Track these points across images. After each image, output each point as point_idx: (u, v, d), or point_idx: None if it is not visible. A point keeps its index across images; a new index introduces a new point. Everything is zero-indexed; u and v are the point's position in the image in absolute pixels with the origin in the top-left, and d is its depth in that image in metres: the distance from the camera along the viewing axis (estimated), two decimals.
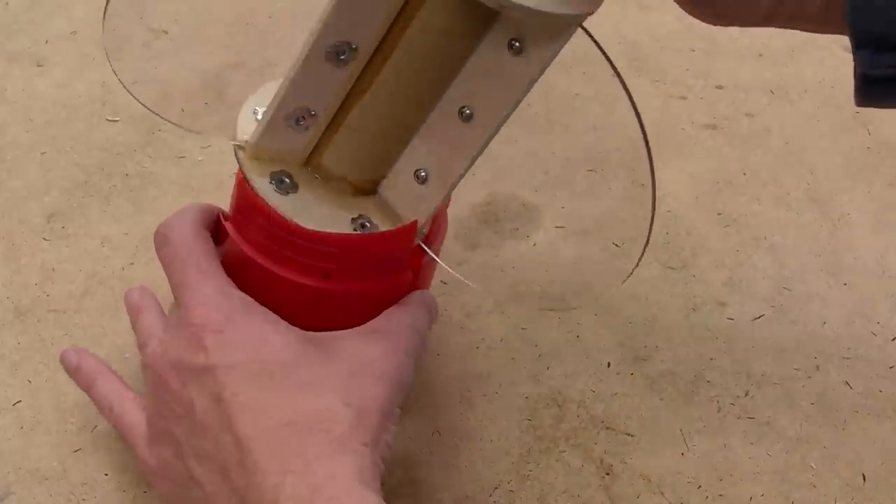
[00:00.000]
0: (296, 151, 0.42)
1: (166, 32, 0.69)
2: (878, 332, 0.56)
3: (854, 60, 0.39)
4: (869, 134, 0.67)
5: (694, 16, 0.41)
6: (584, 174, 0.63)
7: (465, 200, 0.61)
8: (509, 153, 0.65)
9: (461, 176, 0.40)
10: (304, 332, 0.41)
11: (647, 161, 0.37)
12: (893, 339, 0.56)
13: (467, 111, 0.39)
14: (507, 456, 0.50)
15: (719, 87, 0.70)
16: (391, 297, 0.43)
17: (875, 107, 0.41)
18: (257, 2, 0.65)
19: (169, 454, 0.41)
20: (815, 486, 0.50)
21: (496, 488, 0.48)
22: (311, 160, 0.42)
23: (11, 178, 0.60)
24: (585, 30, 0.36)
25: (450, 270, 0.47)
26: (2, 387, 0.51)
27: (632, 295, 0.57)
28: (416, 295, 0.44)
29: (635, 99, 0.48)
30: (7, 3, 0.70)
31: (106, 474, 0.48)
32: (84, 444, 0.49)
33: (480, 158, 0.40)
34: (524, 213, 0.61)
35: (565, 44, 0.37)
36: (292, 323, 0.41)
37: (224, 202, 0.45)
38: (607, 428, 0.51)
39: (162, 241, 0.44)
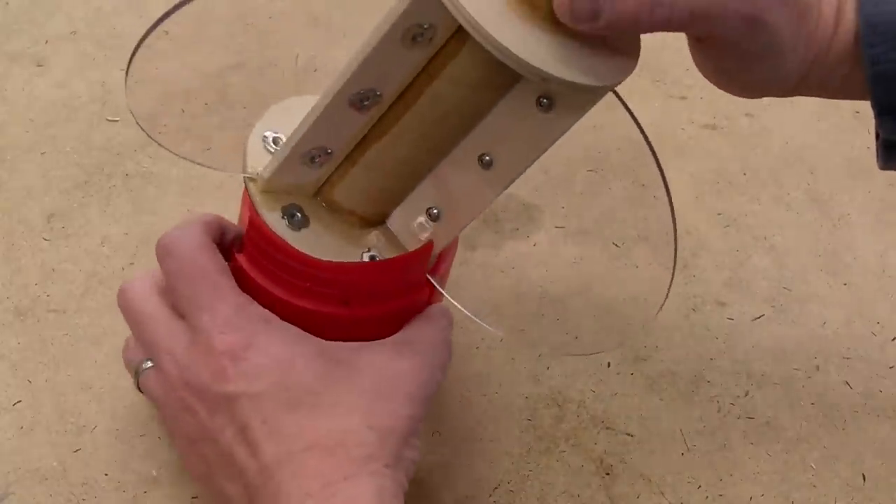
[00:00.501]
0: (307, 185, 0.42)
1: (167, 32, 0.69)
2: (878, 332, 0.56)
3: (876, 128, 0.41)
4: (869, 134, 0.67)
5: (723, 89, 0.42)
6: (584, 174, 0.63)
7: None
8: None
9: (473, 218, 0.41)
10: (329, 344, 0.41)
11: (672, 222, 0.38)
12: (893, 339, 0.56)
13: (487, 158, 0.39)
14: (507, 456, 0.50)
15: None
16: (409, 316, 0.44)
17: None
18: (257, 2, 0.65)
19: (201, 469, 0.41)
20: (815, 486, 0.50)
21: (496, 488, 0.48)
22: (321, 192, 0.43)
23: (11, 178, 0.60)
24: (619, 97, 0.37)
25: (459, 306, 0.46)
26: (2, 387, 0.51)
27: (632, 295, 0.57)
28: (436, 307, 0.44)
29: (636, 98, 0.48)
30: (7, 3, 0.70)
31: (106, 474, 0.48)
32: (84, 444, 0.49)
33: None
34: (524, 213, 0.61)
35: (589, 106, 0.38)
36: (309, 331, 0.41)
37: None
38: (607, 428, 0.51)
39: (163, 252, 0.43)
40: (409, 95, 0.38)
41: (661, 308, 0.42)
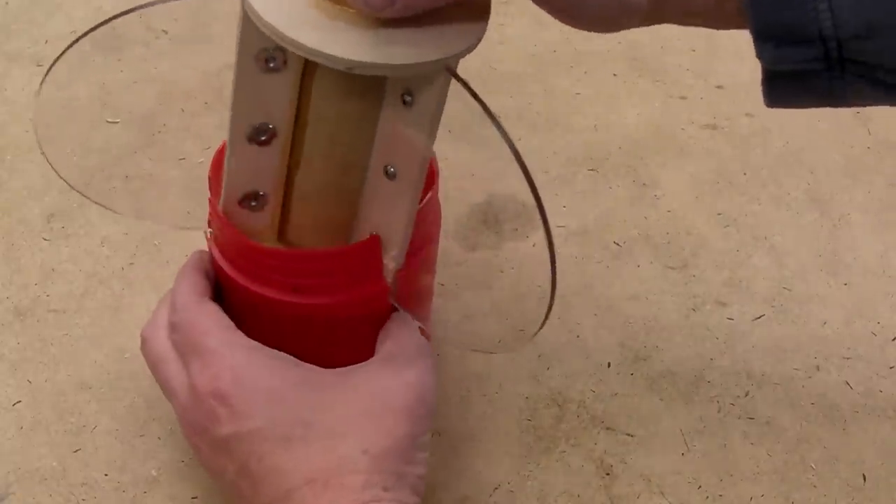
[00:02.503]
0: (263, 231, 0.42)
1: (166, 32, 0.69)
2: (878, 332, 0.56)
3: (757, 56, 0.38)
4: (869, 134, 0.67)
5: (569, 24, 0.40)
6: (584, 174, 0.63)
7: (465, 200, 0.61)
8: (509, 153, 0.65)
9: (407, 231, 0.41)
10: (316, 370, 0.41)
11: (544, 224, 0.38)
12: (893, 339, 0.56)
13: (391, 169, 0.39)
14: (507, 456, 0.50)
15: (719, 87, 0.70)
16: (368, 313, 0.43)
17: (785, 107, 0.40)
18: None
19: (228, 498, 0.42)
20: (815, 486, 0.50)
21: (496, 488, 0.48)
22: (281, 236, 0.43)
23: (11, 178, 0.60)
24: (454, 73, 0.36)
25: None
26: (2, 387, 0.51)
27: (632, 295, 0.57)
28: (400, 313, 0.43)
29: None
30: (7, 3, 0.70)
31: (106, 474, 0.48)
32: (84, 444, 0.49)
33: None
34: (524, 213, 0.61)
35: (446, 89, 0.37)
36: (293, 354, 0.41)
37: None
38: (607, 428, 0.51)
39: (170, 307, 0.43)
40: (300, 120, 0.39)
41: (540, 328, 0.42)
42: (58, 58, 0.42)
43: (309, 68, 0.37)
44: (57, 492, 0.47)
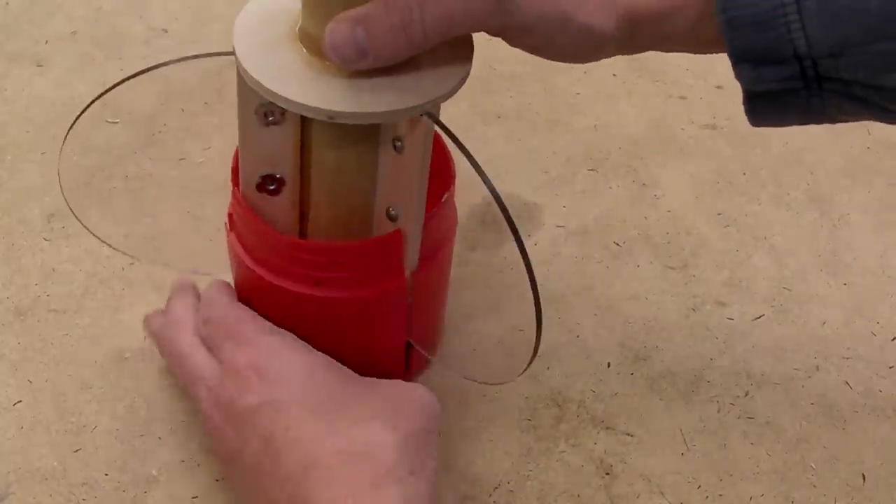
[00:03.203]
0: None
1: (166, 31, 0.69)
2: (878, 332, 0.56)
3: (736, 78, 0.39)
4: (869, 134, 0.67)
5: (546, 58, 0.42)
6: (584, 174, 0.63)
7: (465, 200, 0.61)
8: (510, 153, 0.65)
9: (412, 267, 0.43)
10: (346, 370, 0.42)
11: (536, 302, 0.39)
12: (893, 339, 0.56)
13: (392, 212, 0.41)
14: (507, 456, 0.50)
15: (719, 87, 0.70)
16: (385, 308, 0.44)
17: (769, 126, 0.41)
18: None
19: (239, 492, 0.43)
20: (815, 486, 0.50)
21: (496, 488, 0.48)
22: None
23: (11, 178, 0.60)
24: (435, 118, 0.38)
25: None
26: (2, 387, 0.51)
27: (632, 295, 0.57)
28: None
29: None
30: (7, 3, 0.70)
31: (106, 474, 0.48)
32: (84, 444, 0.49)
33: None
34: (525, 214, 0.61)
35: (430, 133, 0.40)
36: (314, 345, 0.43)
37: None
38: (607, 428, 0.51)
39: (203, 304, 0.46)
40: (305, 170, 0.41)
41: (527, 367, 0.43)
42: (70, 126, 0.45)
43: (306, 120, 0.39)
44: (57, 492, 0.47)
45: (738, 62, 0.39)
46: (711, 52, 0.41)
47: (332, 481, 0.38)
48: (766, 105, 0.40)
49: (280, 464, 0.39)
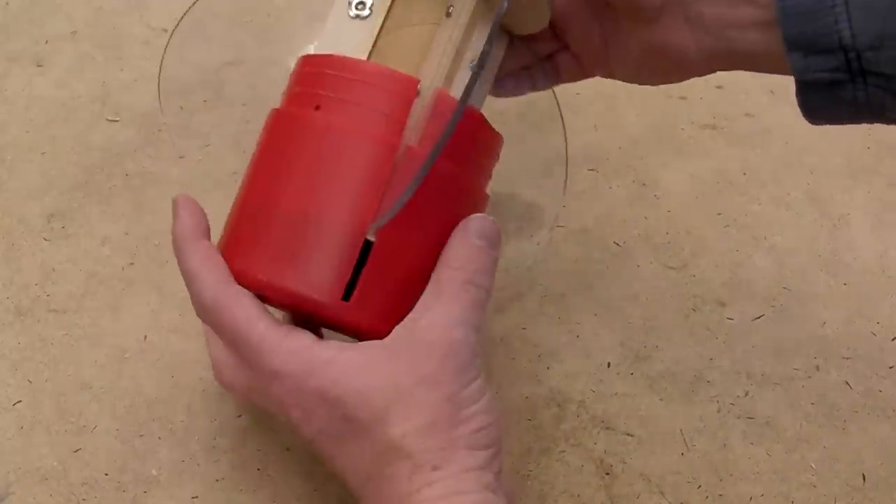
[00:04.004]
0: None
1: (166, 31, 0.68)
2: (878, 332, 0.56)
3: (789, 68, 0.41)
4: (869, 134, 0.67)
5: (638, 83, 0.47)
6: (584, 174, 0.63)
7: None
8: (510, 153, 0.65)
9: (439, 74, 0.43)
10: (352, 358, 0.39)
11: None
12: (893, 339, 0.56)
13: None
14: (508, 456, 0.50)
15: (719, 87, 0.70)
16: (372, 161, 0.40)
17: (823, 122, 0.43)
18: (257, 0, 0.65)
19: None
20: (815, 486, 0.50)
21: None
22: None
23: (11, 178, 0.60)
24: None
25: None
26: (2, 387, 0.51)
27: (632, 295, 0.57)
28: (459, 232, 0.41)
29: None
30: (7, 3, 0.70)
31: (106, 474, 0.48)
32: (84, 444, 0.49)
33: None
34: (527, 213, 0.61)
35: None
36: (301, 192, 0.40)
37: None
38: (607, 428, 0.51)
39: (202, 313, 0.42)
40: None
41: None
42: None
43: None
44: (57, 492, 0.47)
45: (790, 50, 0.40)
46: (780, 71, 0.42)
47: (378, 500, 0.39)
48: (817, 99, 0.41)
49: (337, 471, 0.40)
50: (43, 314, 0.54)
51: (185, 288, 0.42)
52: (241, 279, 0.41)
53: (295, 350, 0.39)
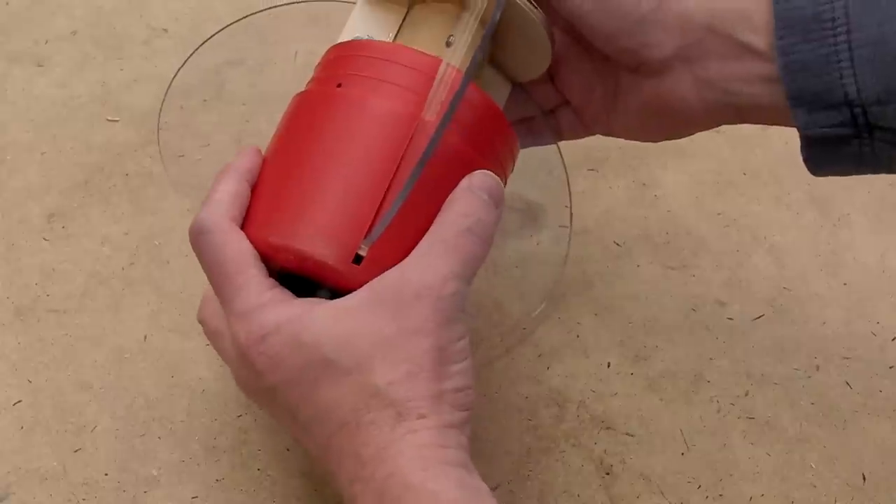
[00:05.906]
0: None
1: (166, 31, 0.69)
2: (878, 332, 0.56)
3: (794, 123, 0.40)
4: None
5: (640, 139, 0.48)
6: (584, 174, 0.63)
7: None
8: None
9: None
10: (336, 304, 0.39)
11: None
12: (893, 339, 0.56)
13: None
14: (507, 456, 0.50)
15: None
16: (390, 131, 0.41)
17: (827, 174, 0.43)
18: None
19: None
20: (815, 486, 0.50)
21: (496, 488, 0.48)
22: None
23: (11, 178, 0.60)
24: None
25: None
26: (2, 387, 0.51)
27: (632, 295, 0.57)
28: (463, 185, 0.41)
29: None
30: (7, 3, 0.70)
31: (106, 474, 0.48)
32: (84, 444, 0.49)
33: None
34: (528, 213, 0.61)
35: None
36: (316, 164, 0.41)
37: None
38: (607, 428, 0.51)
39: (196, 233, 0.42)
40: None
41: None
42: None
43: None
44: (57, 492, 0.47)
45: (794, 106, 0.40)
46: (785, 123, 0.42)
47: (344, 457, 0.38)
48: (822, 154, 0.41)
49: (310, 436, 0.40)
50: (43, 314, 0.54)
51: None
52: (253, 244, 0.41)
53: (279, 298, 0.39)
